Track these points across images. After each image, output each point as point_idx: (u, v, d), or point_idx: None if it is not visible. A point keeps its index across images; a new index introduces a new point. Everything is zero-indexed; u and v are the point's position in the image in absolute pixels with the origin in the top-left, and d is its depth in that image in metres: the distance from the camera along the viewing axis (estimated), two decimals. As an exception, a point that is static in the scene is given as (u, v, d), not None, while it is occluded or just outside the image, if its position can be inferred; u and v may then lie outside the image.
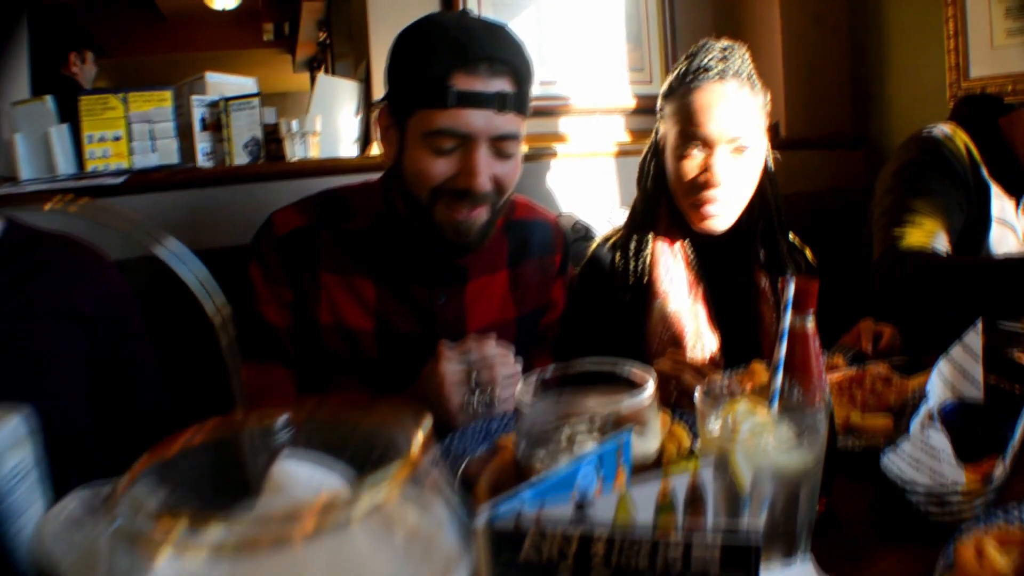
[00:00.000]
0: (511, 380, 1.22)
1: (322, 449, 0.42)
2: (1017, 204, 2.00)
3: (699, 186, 1.54)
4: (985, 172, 1.97)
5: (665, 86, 1.62)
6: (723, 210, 1.55)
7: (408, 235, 1.39)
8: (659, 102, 1.64)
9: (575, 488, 0.54)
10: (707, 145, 1.52)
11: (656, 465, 0.73)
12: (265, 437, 0.44)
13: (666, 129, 1.61)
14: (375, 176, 1.49)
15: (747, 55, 1.59)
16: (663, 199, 1.64)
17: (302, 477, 0.41)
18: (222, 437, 0.43)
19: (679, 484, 0.54)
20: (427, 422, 0.32)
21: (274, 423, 0.44)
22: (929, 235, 1.84)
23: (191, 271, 0.51)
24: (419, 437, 0.32)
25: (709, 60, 1.54)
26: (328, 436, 0.41)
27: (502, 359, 1.22)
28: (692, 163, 1.54)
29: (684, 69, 1.58)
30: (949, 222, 1.89)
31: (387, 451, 0.34)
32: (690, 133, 1.53)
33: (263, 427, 0.44)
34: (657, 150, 1.66)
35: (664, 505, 0.53)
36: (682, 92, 1.56)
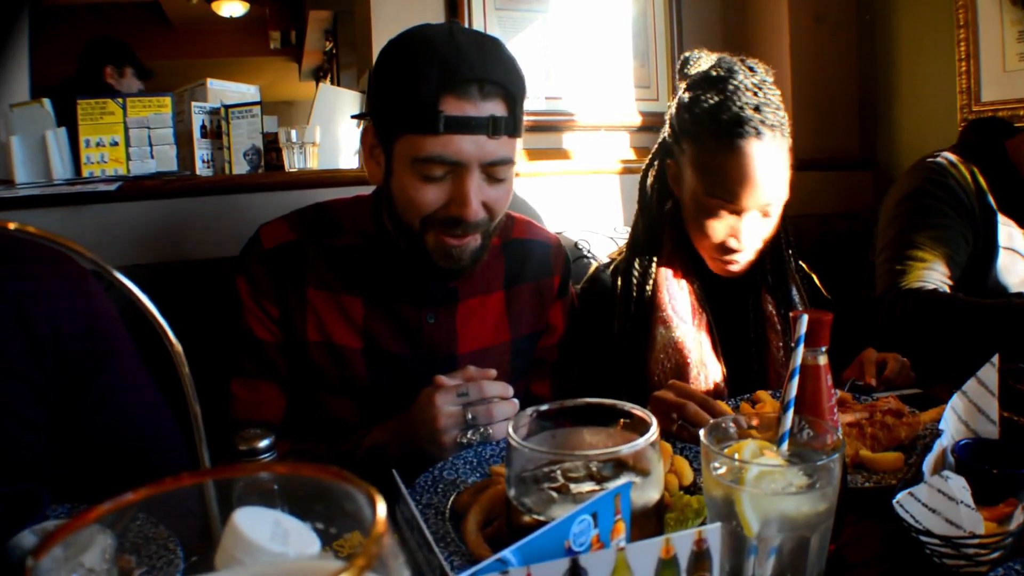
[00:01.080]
0: (509, 420, 1.16)
1: (281, 503, 0.38)
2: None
3: (724, 248, 1.48)
4: (991, 199, 1.94)
5: (685, 112, 1.49)
6: (743, 262, 1.51)
7: (396, 254, 1.35)
8: (673, 124, 1.54)
9: (568, 543, 0.50)
10: (737, 210, 1.44)
11: (657, 507, 0.68)
12: (230, 487, 0.40)
13: (684, 169, 1.51)
14: (369, 189, 1.45)
15: (772, 80, 1.47)
16: (667, 222, 1.58)
17: (259, 534, 0.37)
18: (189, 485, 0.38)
19: (683, 543, 0.49)
20: (382, 505, 0.28)
21: (249, 475, 0.40)
22: (931, 271, 1.83)
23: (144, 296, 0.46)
24: (382, 507, 0.28)
25: (743, 107, 1.40)
26: (289, 492, 0.37)
27: (501, 399, 1.15)
28: (719, 225, 1.46)
29: (712, 111, 1.42)
30: (953, 254, 1.87)
31: (346, 515, 0.30)
32: (720, 197, 1.44)
33: (229, 478, 0.40)
34: (663, 173, 1.58)
35: (666, 563, 0.48)
36: (713, 145, 1.43)
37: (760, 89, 1.43)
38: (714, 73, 1.47)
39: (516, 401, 1.17)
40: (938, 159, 2.00)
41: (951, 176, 1.96)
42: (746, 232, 1.45)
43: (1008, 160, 1.97)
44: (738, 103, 1.41)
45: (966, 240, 1.92)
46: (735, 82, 1.43)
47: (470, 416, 1.12)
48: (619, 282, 1.58)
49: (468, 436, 1.12)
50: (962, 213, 1.92)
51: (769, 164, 1.42)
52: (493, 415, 1.13)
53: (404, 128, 1.21)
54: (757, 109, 1.41)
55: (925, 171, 1.99)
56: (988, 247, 1.94)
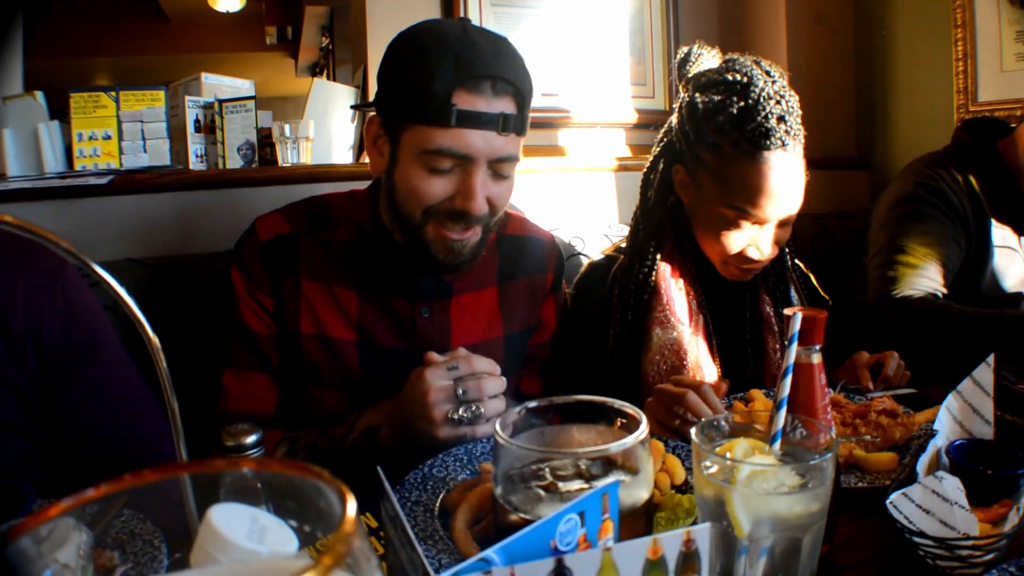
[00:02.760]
0: (498, 398, 1.18)
1: (265, 500, 0.37)
2: (1017, 232, 1.97)
3: (743, 258, 1.44)
4: (984, 201, 1.94)
5: (702, 119, 1.41)
6: (758, 269, 1.49)
7: (391, 248, 1.35)
8: (685, 130, 1.45)
9: (553, 543, 0.49)
10: (759, 222, 1.40)
11: (646, 506, 0.67)
12: (213, 483, 0.39)
13: (698, 177, 1.45)
14: (362, 185, 1.44)
15: (787, 83, 1.41)
16: (668, 226, 1.54)
17: (234, 531, 0.36)
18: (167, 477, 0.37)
19: (671, 544, 0.48)
20: (352, 501, 0.27)
21: (219, 471, 0.39)
22: (923, 277, 1.85)
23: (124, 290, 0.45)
24: (352, 504, 0.27)
25: (768, 117, 1.34)
26: (269, 488, 0.36)
27: (490, 375, 1.17)
28: (738, 235, 1.42)
29: (735, 121, 1.36)
30: (945, 259, 1.89)
31: (320, 513, 0.30)
32: (742, 209, 1.39)
33: (208, 472, 0.39)
34: (667, 178, 1.53)
35: (654, 564, 0.47)
36: (736, 157, 1.37)
37: (783, 97, 1.38)
38: (731, 77, 1.40)
39: (504, 379, 1.18)
40: (929, 163, 2.01)
41: (942, 180, 1.96)
42: (766, 243, 1.42)
43: (1001, 161, 1.97)
44: (762, 112, 1.35)
45: (958, 244, 1.93)
46: (757, 89, 1.37)
47: (461, 391, 1.14)
48: (616, 290, 1.53)
49: (459, 412, 1.13)
50: (954, 217, 1.93)
51: (793, 175, 1.38)
52: (483, 389, 1.14)
53: (414, 119, 1.21)
54: (781, 119, 1.36)
55: (916, 175, 2.00)
56: (982, 249, 1.95)
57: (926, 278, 1.85)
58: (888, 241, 1.94)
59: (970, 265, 1.95)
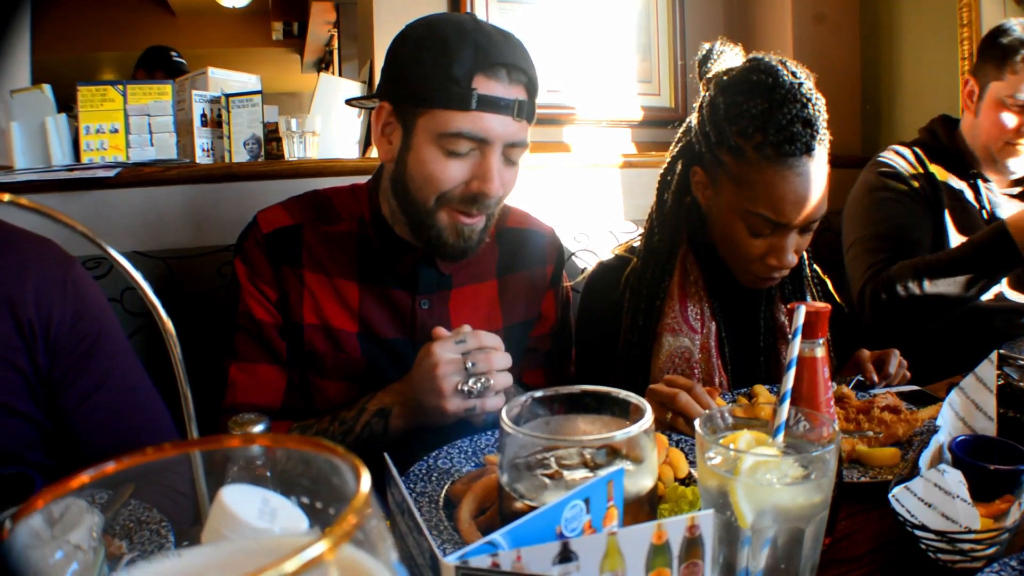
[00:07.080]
0: (505, 372, 1.20)
1: (273, 483, 0.38)
2: (972, 187, 2.07)
3: (763, 266, 1.40)
4: (939, 179, 2.06)
5: (724, 122, 1.36)
6: (780, 276, 1.45)
7: (390, 240, 1.37)
8: (706, 131, 1.41)
9: (559, 528, 0.49)
10: (782, 228, 1.36)
11: (650, 494, 0.68)
12: (220, 467, 0.40)
13: (718, 180, 1.40)
14: (367, 180, 1.45)
15: (814, 84, 1.36)
16: (684, 227, 1.51)
17: (246, 511, 0.37)
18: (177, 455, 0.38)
19: (675, 529, 0.48)
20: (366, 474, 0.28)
21: (233, 447, 0.39)
22: (896, 254, 1.92)
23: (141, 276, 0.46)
24: (366, 479, 0.27)
25: (793, 121, 1.29)
26: (279, 469, 0.36)
27: (496, 350, 1.19)
28: (759, 242, 1.37)
29: (758, 125, 1.31)
30: (913, 237, 1.97)
31: (333, 489, 0.30)
32: (764, 215, 1.34)
33: (216, 452, 0.39)
34: (685, 180, 1.48)
35: (658, 549, 0.48)
36: (759, 162, 1.32)
37: (809, 100, 1.32)
38: (754, 78, 1.35)
39: (509, 355, 1.21)
40: (888, 154, 2.12)
41: (899, 165, 2.07)
42: (787, 250, 1.37)
43: (959, 149, 2.09)
44: (787, 117, 1.30)
45: (923, 224, 2.01)
46: (782, 91, 1.32)
47: (470, 364, 1.16)
48: (628, 294, 1.50)
49: (469, 384, 1.16)
50: (916, 197, 2.02)
51: (818, 181, 1.33)
52: (492, 361, 1.17)
53: (433, 104, 1.23)
54: (807, 123, 1.30)
55: (876, 166, 2.11)
56: (941, 221, 2.04)
57: (898, 255, 1.92)
58: (860, 232, 2.02)
59: (938, 240, 2.03)
